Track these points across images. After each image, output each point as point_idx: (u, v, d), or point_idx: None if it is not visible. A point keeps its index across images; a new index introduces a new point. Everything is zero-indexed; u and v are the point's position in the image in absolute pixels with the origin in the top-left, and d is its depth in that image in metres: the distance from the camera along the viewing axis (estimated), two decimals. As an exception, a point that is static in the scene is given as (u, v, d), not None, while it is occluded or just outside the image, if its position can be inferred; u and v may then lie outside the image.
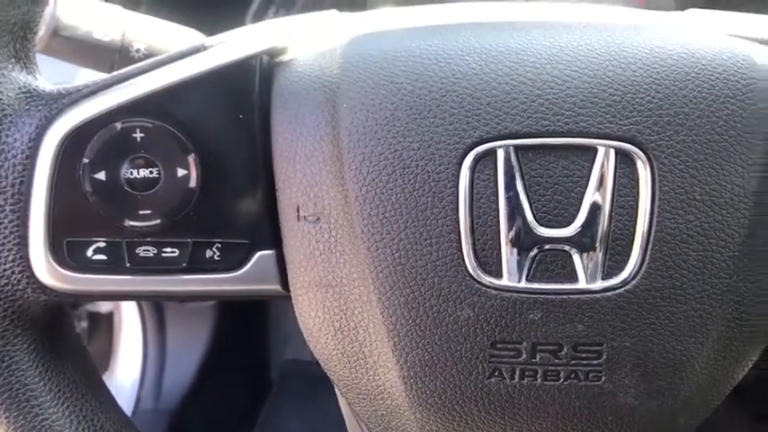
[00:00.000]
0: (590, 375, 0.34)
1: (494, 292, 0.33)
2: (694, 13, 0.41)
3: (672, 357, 0.34)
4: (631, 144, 0.32)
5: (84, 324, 1.15)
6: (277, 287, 0.38)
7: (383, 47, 0.35)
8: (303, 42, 0.39)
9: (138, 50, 0.46)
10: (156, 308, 1.11)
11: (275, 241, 0.37)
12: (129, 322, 1.13)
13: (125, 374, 1.13)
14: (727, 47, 0.35)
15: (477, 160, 0.33)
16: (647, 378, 0.35)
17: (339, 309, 0.35)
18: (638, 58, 0.33)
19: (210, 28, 0.78)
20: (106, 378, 1.11)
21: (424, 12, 0.41)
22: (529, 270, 0.33)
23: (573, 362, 0.34)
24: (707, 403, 0.38)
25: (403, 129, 0.33)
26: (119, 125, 0.35)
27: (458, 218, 0.33)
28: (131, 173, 0.35)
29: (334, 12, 0.43)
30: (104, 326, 1.16)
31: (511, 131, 0.33)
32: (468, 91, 0.33)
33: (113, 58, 0.46)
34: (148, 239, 0.36)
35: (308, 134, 0.35)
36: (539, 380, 0.34)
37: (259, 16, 0.85)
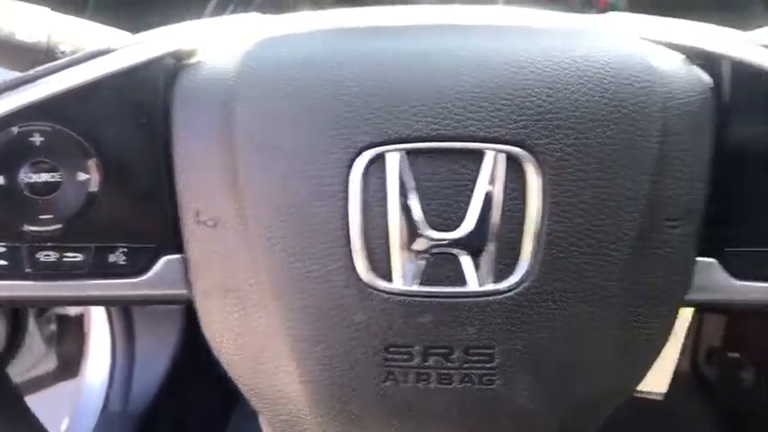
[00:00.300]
0: (483, 378, 0.34)
1: (385, 295, 0.33)
2: (614, 16, 0.41)
3: (565, 360, 0.34)
4: (520, 148, 0.33)
5: (53, 327, 1.15)
6: (184, 292, 0.38)
7: (282, 51, 0.35)
8: (212, 46, 0.39)
9: (63, 52, 0.46)
10: (125, 312, 1.11)
11: (181, 246, 0.37)
12: (98, 325, 1.13)
13: (93, 377, 1.13)
14: (625, 51, 0.35)
15: (367, 164, 0.33)
16: (540, 381, 0.35)
17: (239, 314, 0.36)
18: (531, 62, 0.34)
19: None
20: (75, 382, 1.11)
21: (340, 15, 0.41)
22: (419, 273, 0.33)
23: (465, 365, 0.34)
24: (605, 406, 0.38)
25: (295, 133, 0.33)
26: (15, 129, 0.35)
27: (348, 222, 0.33)
28: (31, 177, 0.35)
29: (255, 15, 0.43)
30: (73, 329, 1.16)
31: (400, 136, 0.33)
32: (359, 95, 0.33)
33: (37, 59, 0.46)
34: (50, 244, 0.36)
35: (204, 138, 0.35)
36: (432, 383, 0.34)
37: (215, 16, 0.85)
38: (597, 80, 0.33)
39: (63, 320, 1.15)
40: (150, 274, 0.37)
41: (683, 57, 0.37)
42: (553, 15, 0.41)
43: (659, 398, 0.67)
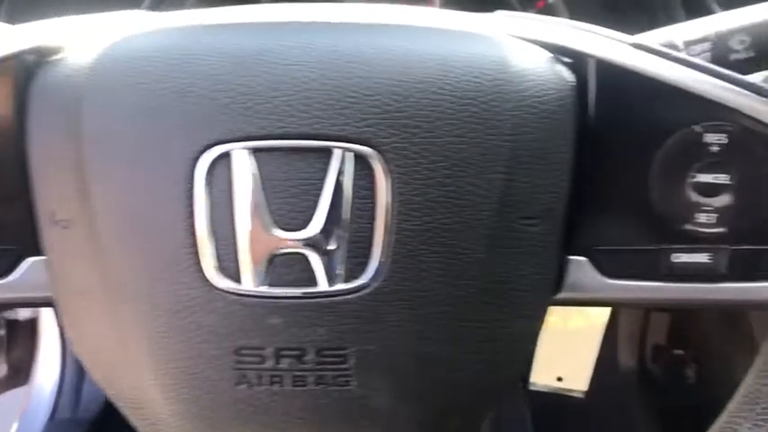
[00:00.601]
0: (338, 380, 0.34)
1: (234, 297, 0.33)
2: (499, 16, 0.40)
3: (422, 360, 0.34)
4: (367, 146, 0.32)
5: (2, 332, 1.14)
6: (49, 294, 0.37)
7: (135, 47, 0.35)
8: (76, 42, 0.38)
9: None
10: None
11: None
12: (49, 330, 1.12)
13: (43, 383, 1.12)
14: (480, 49, 0.35)
15: (213, 163, 0.32)
16: (398, 382, 0.34)
17: (96, 317, 0.35)
18: (383, 59, 0.33)
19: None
20: (24, 388, 1.10)
21: (221, 13, 0.41)
22: (269, 275, 0.33)
23: (319, 366, 0.34)
24: (478, 405, 0.38)
25: (142, 131, 0.33)
26: None
27: (194, 223, 0.32)
28: None
29: (138, 12, 0.43)
30: (24, 334, 1.15)
31: (245, 133, 0.32)
32: (205, 92, 0.32)
33: None
34: None
35: (56, 136, 0.34)
36: (287, 386, 0.34)
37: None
38: (447, 78, 0.33)
39: (12, 325, 1.14)
40: (14, 276, 0.36)
41: (550, 55, 0.36)
42: (434, 15, 0.40)
43: (581, 395, 0.67)
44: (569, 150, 0.35)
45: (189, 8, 0.84)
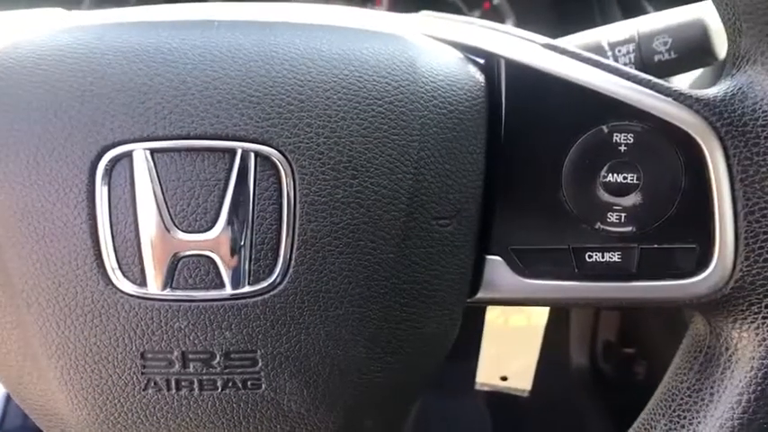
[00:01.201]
0: (248, 383, 0.34)
1: (138, 301, 0.32)
2: (420, 16, 0.40)
3: (332, 362, 0.34)
4: (270, 147, 0.32)
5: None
6: None
7: (35, 47, 0.34)
8: None
9: None
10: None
11: None
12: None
13: (-9, 391, 1.10)
14: (390, 49, 0.34)
15: (114, 164, 0.32)
16: (309, 384, 0.34)
17: None
18: (287, 58, 0.33)
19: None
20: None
21: (135, 12, 0.40)
22: (172, 277, 0.32)
23: (227, 370, 0.33)
24: (397, 407, 0.38)
25: (39, 131, 0.32)
26: None
27: (96, 225, 0.32)
28: None
29: (58, 10, 0.42)
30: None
31: (145, 134, 0.32)
32: (104, 91, 0.32)
33: None
34: None
35: None
36: (196, 390, 0.34)
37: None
38: (353, 77, 0.33)
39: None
40: None
41: (460, 56, 0.36)
42: (352, 14, 0.40)
43: (525, 394, 0.68)
44: (480, 150, 0.35)
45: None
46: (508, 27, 0.39)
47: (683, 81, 0.56)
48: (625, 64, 0.43)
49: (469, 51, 0.37)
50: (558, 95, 0.35)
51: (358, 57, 0.33)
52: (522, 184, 0.36)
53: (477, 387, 0.72)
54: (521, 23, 0.84)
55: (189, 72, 0.32)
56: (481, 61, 0.37)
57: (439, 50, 0.36)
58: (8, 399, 1.10)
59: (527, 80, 0.35)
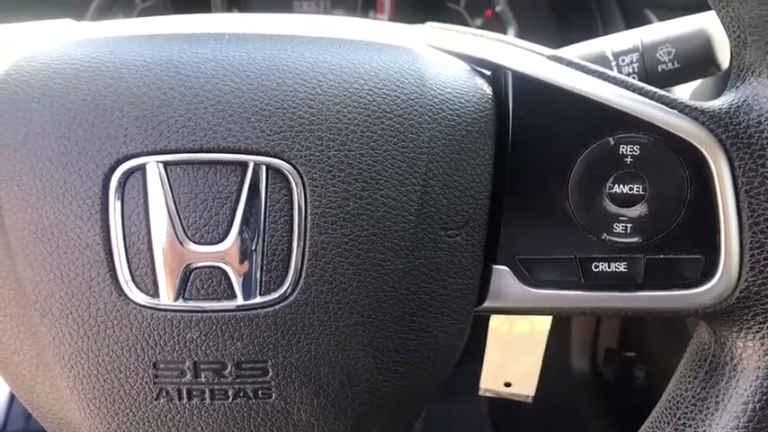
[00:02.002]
0: (259, 393, 0.34)
1: (150, 311, 0.33)
2: (425, 27, 0.41)
3: (342, 372, 0.34)
4: (282, 160, 0.32)
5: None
6: None
7: (48, 60, 0.34)
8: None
9: None
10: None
11: None
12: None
13: (-6, 395, 1.10)
14: (399, 61, 0.35)
15: (127, 177, 0.32)
16: (319, 393, 0.34)
17: (13, 332, 0.34)
18: (298, 72, 0.33)
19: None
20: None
21: (145, 23, 0.41)
22: (184, 288, 0.33)
23: (238, 380, 0.34)
24: (405, 415, 0.38)
25: (53, 144, 0.32)
26: None
27: (110, 237, 0.32)
28: None
29: (68, 21, 0.43)
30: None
31: (158, 147, 0.32)
32: (118, 104, 0.32)
33: None
34: None
35: None
36: (207, 399, 0.34)
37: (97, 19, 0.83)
38: (363, 91, 0.33)
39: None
40: None
41: (468, 68, 0.37)
42: (360, 26, 0.41)
43: (528, 400, 0.68)
44: (488, 162, 0.35)
45: (139, 16, 0.83)
46: (514, 39, 0.40)
47: (685, 91, 0.56)
48: (629, 73, 0.43)
49: (477, 63, 0.37)
50: (564, 107, 0.36)
51: (368, 70, 0.34)
52: (528, 195, 0.36)
53: (481, 393, 0.72)
54: (522, 31, 0.84)
55: (201, 86, 0.32)
56: (488, 73, 0.37)
57: (447, 63, 0.36)
58: (11, 402, 1.10)
59: (534, 92, 0.36)
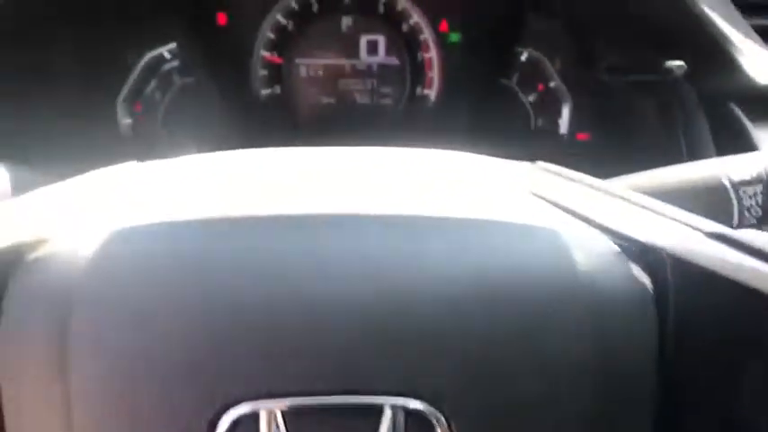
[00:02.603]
0: None
1: None
2: (537, 170, 0.36)
3: None
4: (425, 403, 0.26)
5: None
6: None
7: (130, 266, 0.28)
8: (61, 232, 0.31)
9: None
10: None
11: None
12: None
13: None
14: (553, 263, 0.29)
15: (235, 424, 0.26)
16: None
17: None
18: (434, 290, 0.27)
19: (80, 110, 0.70)
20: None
21: (226, 162, 0.36)
22: None
23: None
24: None
25: (143, 378, 0.26)
26: None
27: None
28: None
29: (133, 163, 0.37)
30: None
31: (272, 390, 0.26)
32: (222, 337, 0.26)
33: None
34: None
35: (34, 369, 0.27)
36: None
37: (130, 100, 0.78)
38: (517, 317, 0.27)
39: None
40: None
41: (617, 251, 0.31)
42: (465, 167, 0.35)
43: None
44: (653, 378, 0.30)
45: (177, 93, 0.78)
46: (660, 205, 0.34)
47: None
48: (750, 206, 0.39)
49: (627, 242, 0.32)
50: (734, 303, 0.30)
51: (521, 282, 0.28)
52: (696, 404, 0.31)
53: None
54: (577, 109, 0.79)
55: (324, 318, 0.27)
56: (640, 255, 0.31)
57: (593, 251, 0.31)
58: None
59: (697, 284, 0.30)
